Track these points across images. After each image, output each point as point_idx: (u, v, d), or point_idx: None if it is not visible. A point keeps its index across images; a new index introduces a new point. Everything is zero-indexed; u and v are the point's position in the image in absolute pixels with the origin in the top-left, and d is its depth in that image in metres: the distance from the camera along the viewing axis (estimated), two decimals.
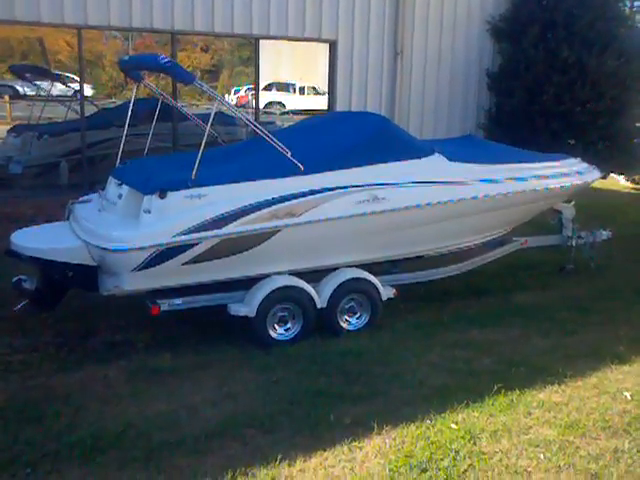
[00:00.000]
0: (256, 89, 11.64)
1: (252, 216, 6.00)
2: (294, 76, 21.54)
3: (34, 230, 6.47)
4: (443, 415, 4.83)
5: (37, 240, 6.13)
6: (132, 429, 4.67)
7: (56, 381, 5.48)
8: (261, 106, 13.38)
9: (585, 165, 8.79)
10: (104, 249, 5.71)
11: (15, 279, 6.18)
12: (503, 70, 12.51)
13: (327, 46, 11.65)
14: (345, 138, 6.95)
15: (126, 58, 6.84)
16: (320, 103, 13.35)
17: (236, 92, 22.12)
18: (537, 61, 11.70)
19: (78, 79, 10.56)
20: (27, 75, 12.93)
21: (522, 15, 12.19)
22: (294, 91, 22.32)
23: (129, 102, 7.19)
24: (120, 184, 6.33)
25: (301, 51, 14.04)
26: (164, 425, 4.74)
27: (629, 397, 5.19)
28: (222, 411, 4.97)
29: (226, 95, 22.78)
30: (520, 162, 7.94)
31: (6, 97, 15.82)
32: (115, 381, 5.50)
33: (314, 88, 21.00)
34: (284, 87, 22.01)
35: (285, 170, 6.26)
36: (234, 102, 21.15)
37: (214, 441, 4.52)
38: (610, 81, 11.71)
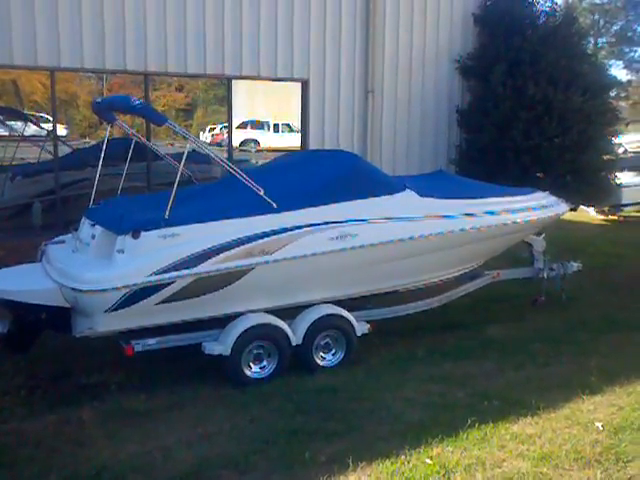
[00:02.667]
0: (229, 128, 11.74)
1: (226, 254, 6.04)
2: (268, 114, 21.73)
3: (6, 272, 6.42)
4: (418, 450, 4.85)
5: (9, 282, 6.09)
6: (106, 472, 4.63)
7: (28, 425, 5.43)
8: (236, 144, 13.49)
9: (554, 198, 8.97)
10: (77, 290, 5.70)
11: None
12: (472, 107, 12.74)
13: (300, 85, 11.82)
14: (318, 176, 7.04)
15: (99, 100, 6.91)
16: (294, 141, 13.45)
17: (210, 130, 22.21)
18: (505, 98, 11.93)
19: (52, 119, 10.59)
20: None
21: (489, 54, 12.46)
22: (268, 129, 22.50)
23: (103, 142, 7.23)
24: (93, 224, 6.35)
25: (275, 89, 14.20)
26: (138, 467, 4.70)
27: (600, 427, 5.25)
28: (197, 452, 4.94)
29: (201, 133, 22.87)
30: (491, 196, 8.08)
31: None
32: (89, 423, 5.46)
33: (288, 125, 21.20)
34: (258, 125, 22.18)
35: (258, 208, 6.32)
36: (209, 140, 21.24)
37: None
38: (576, 116, 11.95)
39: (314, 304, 6.77)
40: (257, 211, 6.32)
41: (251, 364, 6.38)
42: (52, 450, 4.96)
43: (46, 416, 5.58)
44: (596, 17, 40.47)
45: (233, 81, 11.24)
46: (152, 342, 6.12)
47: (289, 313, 6.65)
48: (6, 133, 13.21)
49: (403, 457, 4.76)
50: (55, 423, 5.44)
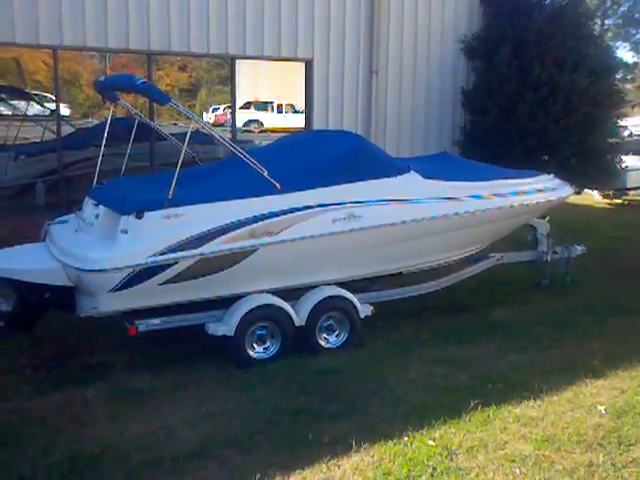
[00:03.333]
0: (233, 108, 11.69)
1: (229, 235, 6.03)
2: (272, 94, 21.65)
3: (10, 251, 6.42)
4: (421, 432, 4.86)
5: (13, 261, 6.09)
6: (110, 451, 4.65)
7: (33, 404, 5.45)
8: (240, 125, 13.44)
9: (558, 181, 8.93)
10: (81, 270, 5.70)
11: None
12: (477, 88, 12.66)
13: (303, 65, 11.74)
14: (321, 157, 7.01)
15: (102, 79, 6.87)
16: (298, 121, 13.43)
17: (214, 110, 22.15)
18: (510, 79, 11.85)
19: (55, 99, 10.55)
20: (2, 96, 12.89)
21: (494, 34, 12.35)
22: (272, 109, 22.41)
23: (106, 122, 7.21)
24: (97, 204, 6.33)
25: (279, 70, 14.15)
26: (142, 446, 4.72)
27: (603, 411, 5.26)
28: (200, 431, 4.96)
29: (204, 113, 22.81)
30: (495, 179, 8.04)
31: None
32: (93, 403, 5.47)
33: (292, 106, 21.12)
34: (262, 106, 22.11)
35: (262, 189, 6.30)
36: (212, 120, 21.18)
37: (192, 462, 4.51)
38: (582, 98, 11.87)
39: (318, 285, 6.76)
40: (261, 192, 6.30)
41: (255, 345, 6.39)
42: (56, 429, 4.98)
43: (50, 395, 5.61)
44: None
45: (237, 61, 11.17)
46: (156, 322, 6.12)
47: (293, 294, 6.65)
48: (9, 112, 13.17)
49: (406, 438, 4.77)
50: (59, 402, 5.47)
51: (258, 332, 6.38)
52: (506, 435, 4.87)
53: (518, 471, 4.39)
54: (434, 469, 4.38)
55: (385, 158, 7.47)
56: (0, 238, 8.36)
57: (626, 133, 19.01)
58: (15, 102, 13.04)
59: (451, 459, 4.51)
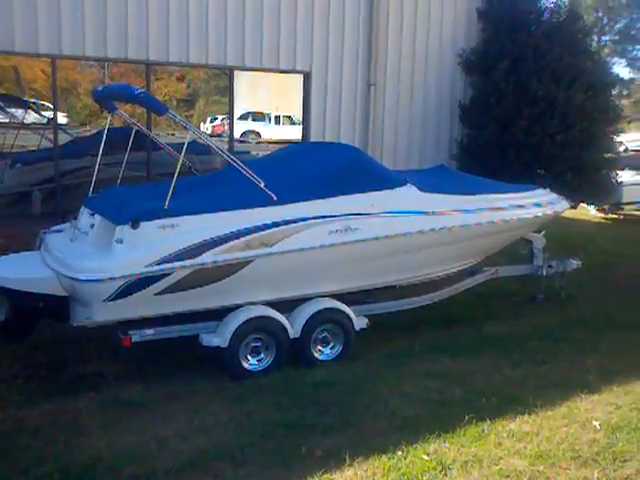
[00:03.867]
0: (230, 119, 11.70)
1: (225, 246, 6.02)
2: (270, 106, 21.66)
3: (4, 260, 6.40)
4: (415, 446, 4.84)
5: (7, 270, 6.07)
6: (101, 463, 4.61)
7: (25, 413, 5.42)
8: (237, 135, 13.44)
9: (554, 195, 8.95)
10: (75, 279, 5.68)
11: None
12: (475, 102, 12.70)
13: (302, 77, 11.77)
14: (318, 169, 7.02)
15: (100, 89, 6.88)
16: (295, 133, 13.43)
17: (212, 121, 22.16)
18: (507, 94, 11.89)
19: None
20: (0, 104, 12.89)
21: (492, 49, 12.41)
22: (270, 121, 22.44)
23: (103, 131, 7.20)
24: (92, 214, 6.32)
25: (277, 81, 14.16)
26: (134, 458, 4.68)
27: (598, 426, 5.24)
28: (193, 444, 4.93)
29: (201, 124, 22.83)
30: (491, 193, 8.06)
31: None
32: (85, 413, 5.44)
33: (289, 117, 21.14)
34: (260, 117, 22.13)
35: (258, 200, 6.30)
36: (209, 131, 21.19)
37: (185, 475, 4.48)
38: (578, 113, 11.91)
39: (313, 297, 6.75)
40: (257, 203, 6.29)
41: (249, 356, 6.36)
42: (48, 439, 4.94)
43: (43, 405, 5.57)
44: (600, 14, 40.41)
45: (235, 72, 11.19)
46: (150, 332, 6.10)
47: (288, 306, 6.63)
48: (6, 120, 13.16)
49: (400, 453, 4.74)
50: (52, 412, 5.43)
51: (252, 344, 6.36)
52: (500, 450, 4.84)
53: None
54: None
55: (382, 171, 7.48)
56: None
57: (622, 148, 19.05)
58: (12, 110, 13.03)
59: (445, 474, 4.49)
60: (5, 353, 6.52)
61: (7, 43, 9.40)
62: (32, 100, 13.69)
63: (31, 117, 13.16)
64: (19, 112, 12.86)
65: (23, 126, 12.29)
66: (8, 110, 12.98)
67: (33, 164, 11.47)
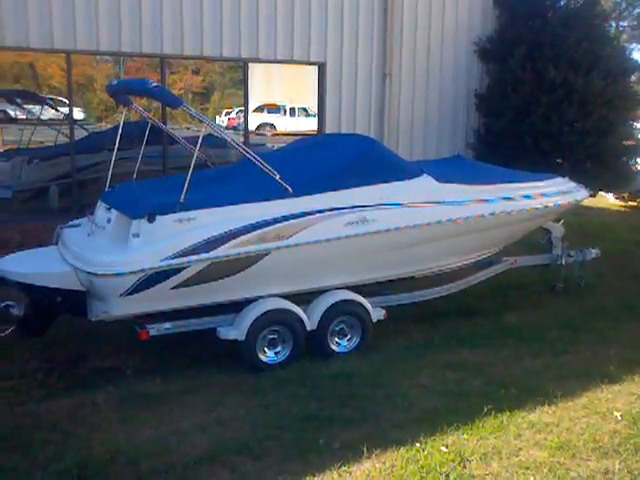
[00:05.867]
0: (245, 111, 11.68)
1: (241, 239, 6.01)
2: (285, 98, 21.62)
3: (22, 255, 6.44)
4: (433, 438, 4.81)
5: (25, 265, 6.11)
6: (120, 456, 4.63)
7: (44, 408, 5.45)
8: (252, 128, 13.42)
9: (573, 184, 8.84)
10: (92, 274, 5.70)
11: (2, 305, 6.13)
12: (491, 91, 12.57)
13: (316, 68, 11.72)
14: (334, 160, 6.98)
15: (114, 83, 6.87)
16: (310, 124, 13.37)
17: (228, 114, 22.14)
18: (524, 82, 11.76)
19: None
20: (17, 100, 12.95)
21: (509, 36, 12.27)
22: (284, 113, 22.40)
23: (118, 126, 7.21)
24: (109, 208, 6.33)
25: (292, 73, 14.10)
26: (153, 452, 4.70)
27: (619, 417, 5.18)
28: (211, 437, 4.93)
29: (217, 117, 22.82)
30: (509, 182, 7.97)
31: None
32: (104, 407, 5.46)
33: (304, 109, 21.09)
34: (274, 109, 22.09)
35: (274, 193, 6.28)
36: (225, 124, 21.19)
37: (203, 468, 4.49)
38: (597, 100, 11.76)
39: (329, 289, 6.72)
40: (273, 195, 6.27)
41: (266, 349, 6.36)
42: (67, 433, 4.97)
43: (62, 399, 5.60)
44: (617, 0, 39.84)
45: (250, 64, 11.16)
46: (167, 326, 6.11)
47: (304, 298, 6.61)
48: (24, 116, 13.24)
49: (418, 445, 4.72)
50: (70, 406, 5.46)
51: (269, 336, 6.35)
52: (520, 442, 4.80)
53: (532, 479, 4.33)
54: (447, 476, 4.33)
55: (398, 161, 7.42)
56: (13, 242, 8.41)
57: None
58: (29, 106, 13.09)
59: (464, 466, 4.46)
60: (24, 348, 6.57)
61: (22, 39, 9.44)
62: (50, 97, 13.75)
63: (48, 113, 13.21)
64: (36, 108, 12.92)
65: (40, 122, 12.34)
66: (25, 106, 13.05)
67: (50, 159, 11.52)
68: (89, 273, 5.72)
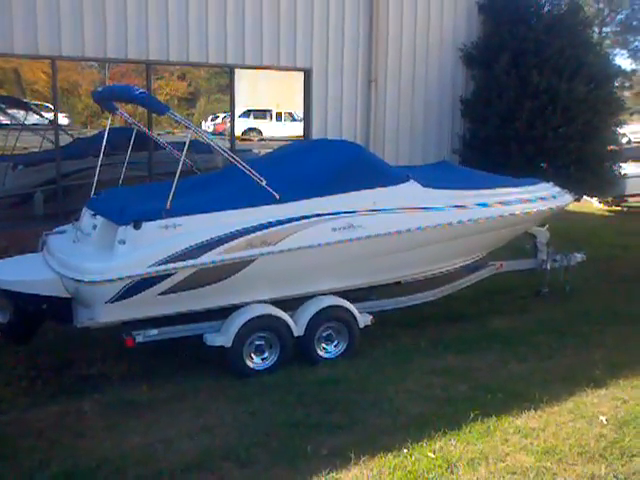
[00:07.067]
0: (231, 117, 11.67)
1: (228, 245, 6.00)
2: (271, 103, 21.60)
3: (7, 262, 6.39)
4: (420, 444, 4.82)
5: (10, 272, 6.06)
6: (107, 464, 4.60)
7: (30, 415, 5.41)
8: (239, 133, 13.41)
9: (558, 189, 8.91)
10: (78, 281, 5.66)
11: None
12: (476, 97, 12.65)
13: (302, 74, 11.74)
14: (320, 166, 6.99)
15: (100, 89, 6.86)
16: (297, 130, 13.39)
17: (214, 119, 22.10)
18: (509, 87, 11.86)
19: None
20: (1, 105, 12.86)
21: (493, 43, 12.36)
22: (271, 118, 22.39)
23: (104, 132, 7.19)
24: (94, 215, 6.30)
25: (278, 78, 14.11)
26: (140, 459, 4.67)
27: (605, 421, 5.21)
28: (198, 444, 4.91)
29: (203, 122, 22.78)
30: (494, 187, 8.02)
31: None
32: (90, 415, 5.43)
33: (290, 114, 21.09)
34: (261, 114, 22.08)
35: (260, 199, 6.28)
36: (211, 129, 21.15)
37: (190, 475, 4.47)
38: (581, 106, 11.87)
39: (316, 295, 6.72)
40: (259, 202, 6.27)
41: (253, 355, 6.35)
42: (53, 441, 4.93)
43: (47, 407, 5.56)
44: (600, 6, 40.20)
45: (235, 70, 11.16)
46: (153, 333, 6.09)
47: (291, 304, 6.61)
48: (8, 122, 13.14)
49: (406, 451, 4.73)
50: (56, 414, 5.42)
51: (256, 342, 6.34)
52: (507, 447, 4.82)
53: None
54: None
55: (384, 167, 7.44)
56: None
57: (625, 140, 18.96)
58: (13, 111, 13.00)
59: (451, 472, 4.47)
60: (9, 355, 6.52)
61: (7, 45, 9.37)
62: (35, 102, 13.67)
63: (33, 118, 13.13)
64: (20, 113, 12.84)
65: (24, 127, 12.26)
66: (9, 112, 12.96)
67: (35, 166, 11.45)
68: (75, 280, 5.68)
